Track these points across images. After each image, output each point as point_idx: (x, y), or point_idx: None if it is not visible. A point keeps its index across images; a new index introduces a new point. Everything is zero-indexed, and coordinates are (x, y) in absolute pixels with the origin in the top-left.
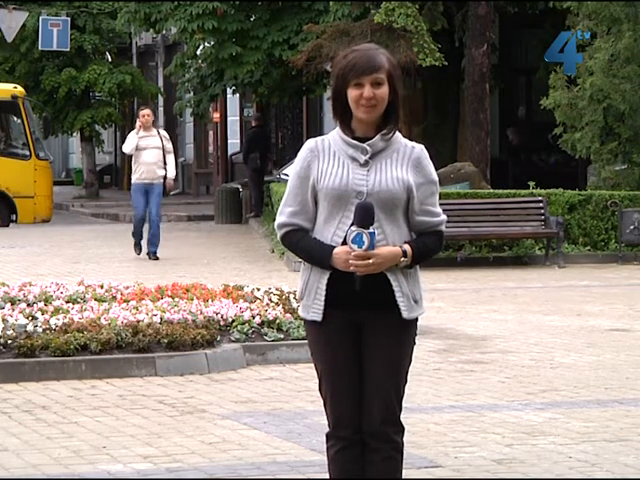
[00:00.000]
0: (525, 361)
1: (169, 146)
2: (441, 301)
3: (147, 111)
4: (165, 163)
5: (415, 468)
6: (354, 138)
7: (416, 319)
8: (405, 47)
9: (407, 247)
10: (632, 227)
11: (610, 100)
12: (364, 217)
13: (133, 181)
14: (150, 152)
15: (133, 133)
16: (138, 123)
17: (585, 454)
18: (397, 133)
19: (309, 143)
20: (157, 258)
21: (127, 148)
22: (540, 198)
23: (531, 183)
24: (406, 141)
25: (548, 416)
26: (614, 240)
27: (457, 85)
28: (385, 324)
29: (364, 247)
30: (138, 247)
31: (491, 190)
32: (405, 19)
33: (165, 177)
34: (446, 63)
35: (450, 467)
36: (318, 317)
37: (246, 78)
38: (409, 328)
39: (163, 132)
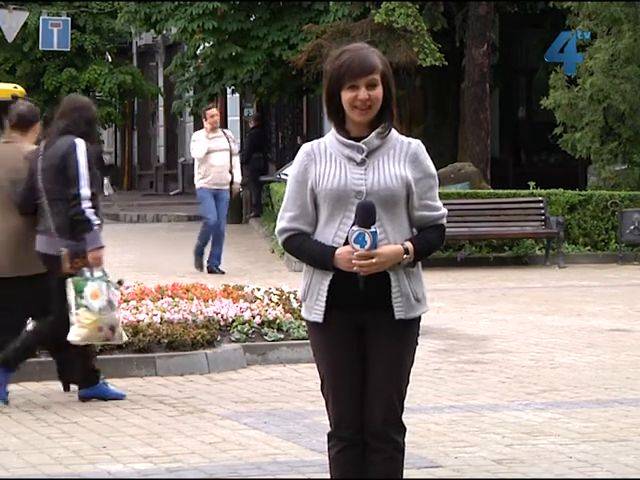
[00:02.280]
0: (525, 361)
1: (235, 148)
2: (441, 301)
3: (215, 111)
4: (232, 167)
5: (415, 468)
6: (350, 139)
7: (419, 319)
8: (405, 47)
9: (409, 244)
10: (632, 227)
11: (610, 100)
12: (366, 216)
13: (200, 185)
14: (219, 155)
15: (201, 135)
16: (206, 124)
17: (585, 454)
18: (393, 130)
19: (305, 147)
20: (223, 272)
21: (199, 152)
22: (540, 198)
23: (531, 183)
24: (402, 137)
25: (548, 416)
26: (614, 240)
27: (457, 85)
28: (387, 324)
29: (366, 247)
30: (200, 263)
31: (491, 190)
32: (405, 19)
33: (231, 182)
34: (446, 63)
35: (450, 467)
36: (320, 318)
37: (246, 78)
38: (411, 328)
39: (229, 132)
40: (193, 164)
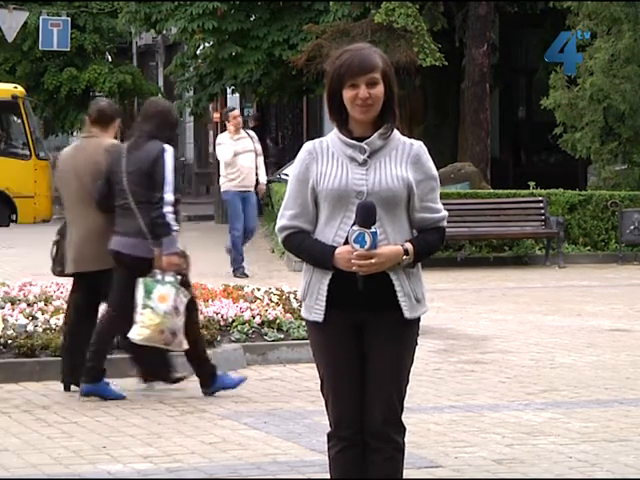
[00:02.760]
0: (525, 361)
1: (260, 148)
2: (441, 301)
3: (238, 112)
4: (257, 167)
5: (415, 468)
6: (352, 138)
7: (418, 319)
8: (405, 47)
9: (409, 245)
10: (632, 227)
11: (610, 100)
12: (366, 216)
13: (227, 188)
14: (246, 156)
15: (226, 138)
16: (230, 126)
17: (585, 454)
18: (395, 131)
19: (307, 145)
20: (247, 275)
21: (226, 155)
22: (540, 198)
23: (531, 183)
24: (405, 139)
25: (548, 416)
26: (614, 240)
27: (457, 85)
28: (387, 324)
29: (366, 247)
30: (241, 269)
31: (491, 190)
32: (405, 19)
33: (257, 183)
34: (446, 63)
35: (450, 467)
36: (320, 318)
37: (245, 77)
38: (411, 328)
39: (251, 132)
40: (218, 164)
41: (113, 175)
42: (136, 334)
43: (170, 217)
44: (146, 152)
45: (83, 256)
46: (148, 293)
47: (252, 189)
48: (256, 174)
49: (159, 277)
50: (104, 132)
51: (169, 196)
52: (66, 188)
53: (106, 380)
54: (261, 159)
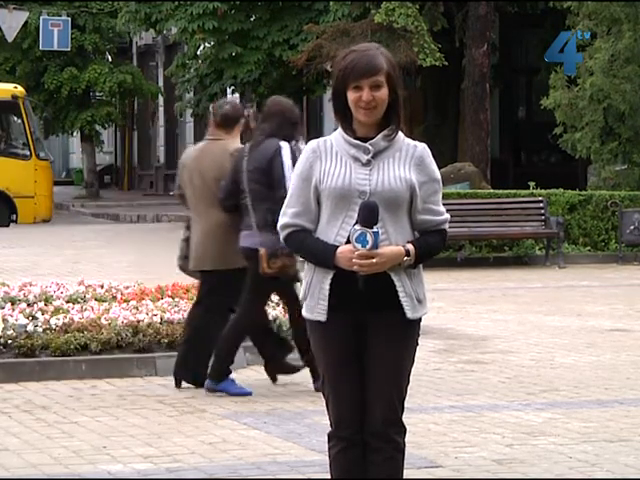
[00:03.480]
0: (525, 361)
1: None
2: (441, 301)
3: None
4: None
5: (415, 468)
6: (356, 138)
7: (419, 319)
8: (405, 47)
9: (410, 247)
10: (632, 227)
11: (610, 100)
12: (368, 216)
13: None
14: None
15: None
16: None
17: (585, 454)
18: (400, 133)
19: (311, 144)
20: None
21: None
22: (540, 198)
23: (531, 183)
24: (409, 140)
25: (548, 416)
26: (614, 240)
27: (457, 85)
28: (388, 324)
29: (368, 246)
30: None
31: (491, 190)
32: (405, 19)
33: None
34: (446, 63)
35: (450, 467)
36: (322, 317)
37: (245, 77)
38: (412, 328)
39: None
40: None
41: (236, 175)
42: None
43: None
44: (264, 150)
45: (204, 254)
46: None
47: None
48: None
49: None
50: (229, 134)
51: None
52: (190, 187)
53: (231, 377)
54: None
